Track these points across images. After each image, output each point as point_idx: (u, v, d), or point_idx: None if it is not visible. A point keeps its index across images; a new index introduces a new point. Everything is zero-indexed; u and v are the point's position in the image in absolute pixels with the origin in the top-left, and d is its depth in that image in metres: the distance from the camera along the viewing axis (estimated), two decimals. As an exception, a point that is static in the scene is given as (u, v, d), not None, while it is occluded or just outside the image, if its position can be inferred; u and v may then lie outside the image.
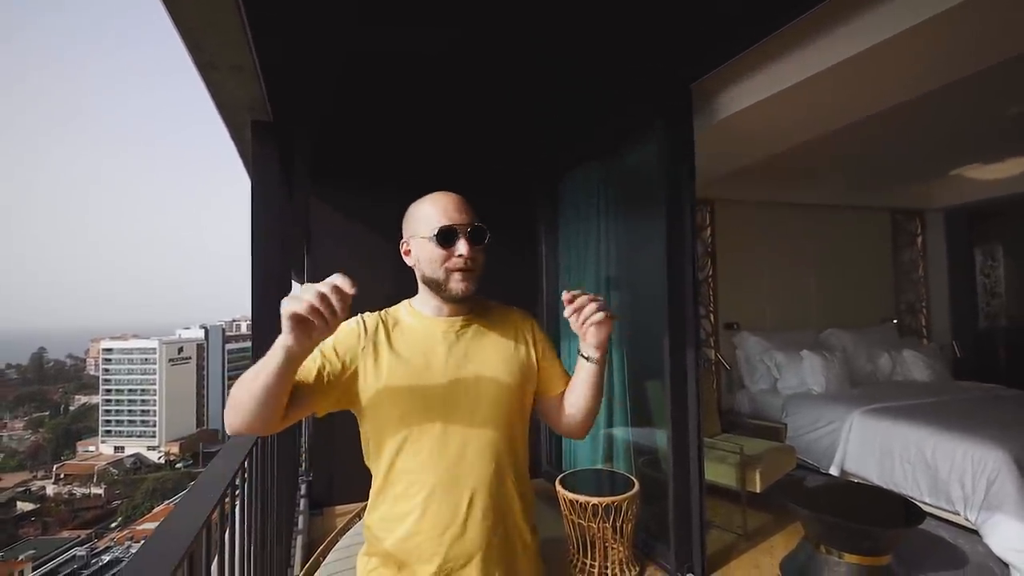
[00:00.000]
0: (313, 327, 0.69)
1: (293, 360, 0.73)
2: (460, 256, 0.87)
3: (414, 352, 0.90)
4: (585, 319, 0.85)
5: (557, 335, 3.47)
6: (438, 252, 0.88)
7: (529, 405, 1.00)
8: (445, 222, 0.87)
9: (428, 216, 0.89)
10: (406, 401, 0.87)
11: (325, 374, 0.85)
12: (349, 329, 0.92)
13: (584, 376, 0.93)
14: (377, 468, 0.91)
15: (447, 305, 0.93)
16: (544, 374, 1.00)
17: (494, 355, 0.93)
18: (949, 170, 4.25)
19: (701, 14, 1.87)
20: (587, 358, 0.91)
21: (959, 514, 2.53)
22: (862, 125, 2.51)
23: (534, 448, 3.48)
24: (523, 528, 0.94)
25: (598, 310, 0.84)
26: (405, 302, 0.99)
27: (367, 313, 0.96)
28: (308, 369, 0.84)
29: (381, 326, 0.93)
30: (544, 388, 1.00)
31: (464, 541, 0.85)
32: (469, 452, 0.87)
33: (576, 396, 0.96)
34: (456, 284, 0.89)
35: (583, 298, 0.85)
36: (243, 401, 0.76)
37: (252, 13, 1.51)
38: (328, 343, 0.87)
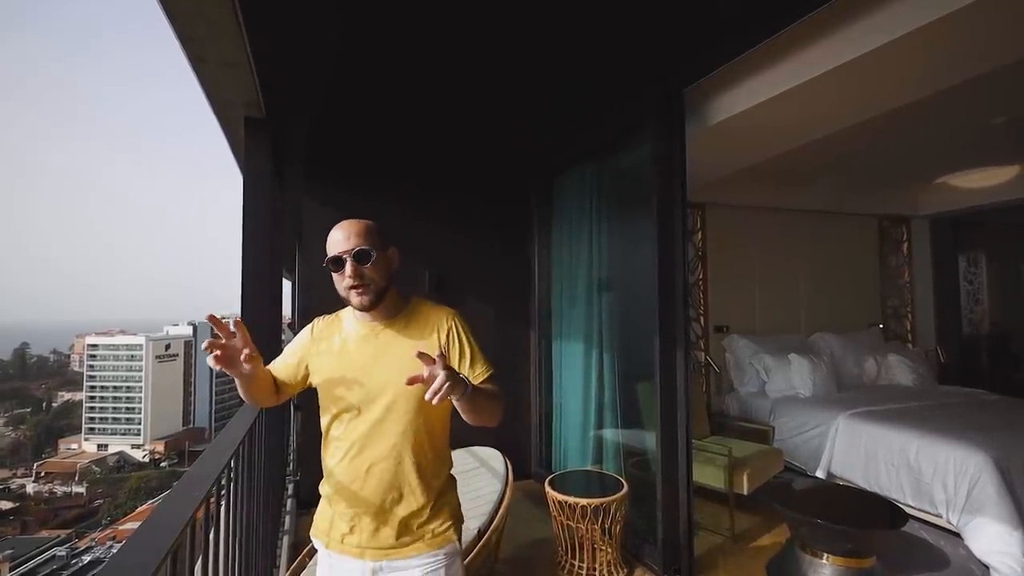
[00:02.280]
0: (228, 363, 0.99)
1: (244, 376, 1.04)
2: (349, 277, 1.07)
3: (342, 349, 1.15)
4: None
5: (549, 334, 3.48)
6: (335, 277, 1.11)
7: None
8: (332, 253, 1.10)
9: (327, 249, 1.11)
10: (333, 386, 1.13)
11: (290, 371, 1.19)
12: (304, 333, 1.22)
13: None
14: (323, 429, 1.19)
15: (367, 312, 1.12)
16: None
17: (403, 354, 1.09)
18: (935, 178, 4.32)
19: (696, 19, 1.88)
20: None
21: (942, 516, 2.57)
22: (851, 132, 2.55)
23: (524, 449, 3.49)
24: (420, 496, 1.12)
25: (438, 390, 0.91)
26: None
27: (324, 315, 1.23)
28: (279, 368, 1.19)
29: (327, 326, 1.20)
30: None
31: (363, 495, 1.11)
32: (374, 432, 1.11)
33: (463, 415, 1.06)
34: (355, 299, 1.10)
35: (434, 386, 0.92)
36: (241, 391, 1.12)
37: (246, 7, 1.50)
38: (291, 348, 1.21)
